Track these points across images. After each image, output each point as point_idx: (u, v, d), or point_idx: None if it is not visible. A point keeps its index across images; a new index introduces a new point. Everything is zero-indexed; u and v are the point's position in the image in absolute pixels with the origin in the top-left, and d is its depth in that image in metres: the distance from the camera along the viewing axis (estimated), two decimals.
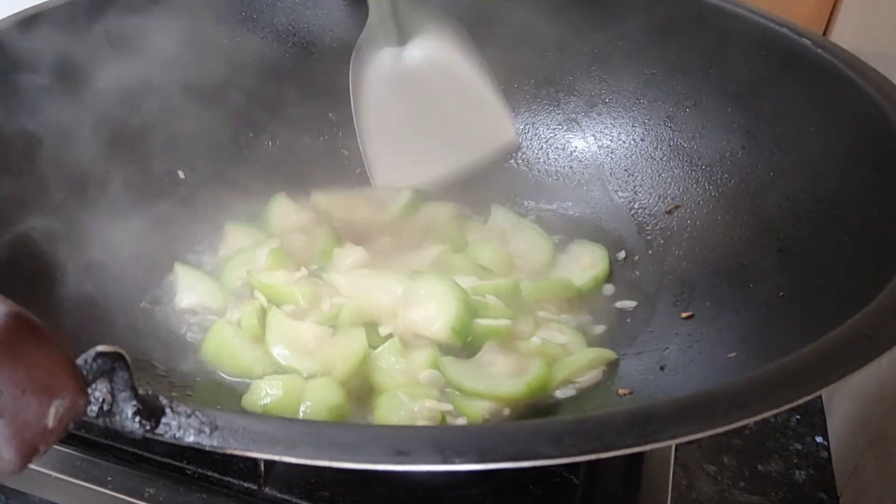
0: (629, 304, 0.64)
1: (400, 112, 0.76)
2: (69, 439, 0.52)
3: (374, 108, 0.76)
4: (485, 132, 0.77)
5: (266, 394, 0.53)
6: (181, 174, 0.72)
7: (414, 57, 0.76)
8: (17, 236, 0.56)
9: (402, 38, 0.76)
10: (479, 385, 0.54)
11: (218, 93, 0.72)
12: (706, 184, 0.67)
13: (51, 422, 0.28)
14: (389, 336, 0.59)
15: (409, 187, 0.76)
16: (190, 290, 0.64)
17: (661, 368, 0.55)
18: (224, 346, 0.58)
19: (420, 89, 0.76)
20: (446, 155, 0.76)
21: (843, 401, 0.73)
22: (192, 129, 0.71)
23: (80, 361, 0.29)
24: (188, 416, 0.31)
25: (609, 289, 0.66)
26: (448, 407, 0.53)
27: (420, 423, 0.52)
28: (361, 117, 0.76)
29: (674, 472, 0.52)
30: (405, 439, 0.31)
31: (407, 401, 0.52)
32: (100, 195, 0.64)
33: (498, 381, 0.55)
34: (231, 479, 0.51)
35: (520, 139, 0.78)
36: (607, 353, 0.57)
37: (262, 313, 0.61)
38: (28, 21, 0.63)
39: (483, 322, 0.59)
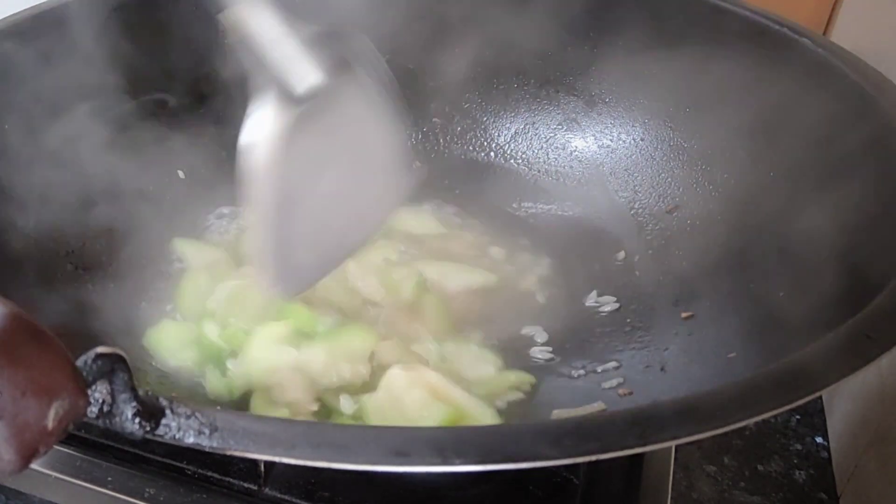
0: (629, 304, 0.63)
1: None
2: (69, 440, 0.52)
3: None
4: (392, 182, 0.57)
5: (165, 332, 0.57)
6: (181, 174, 0.72)
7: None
8: (19, 238, 0.56)
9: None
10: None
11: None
12: (706, 184, 0.66)
13: (50, 423, 0.28)
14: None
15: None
16: (195, 262, 0.65)
17: (662, 368, 0.55)
18: (187, 289, 0.62)
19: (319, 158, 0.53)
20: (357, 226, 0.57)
21: (843, 401, 0.73)
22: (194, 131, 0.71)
23: (79, 363, 0.29)
24: (188, 418, 0.31)
25: (611, 288, 0.66)
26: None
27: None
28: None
29: (674, 473, 0.52)
30: (405, 440, 0.31)
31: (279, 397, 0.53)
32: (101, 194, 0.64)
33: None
34: (231, 480, 0.51)
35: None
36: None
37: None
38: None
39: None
